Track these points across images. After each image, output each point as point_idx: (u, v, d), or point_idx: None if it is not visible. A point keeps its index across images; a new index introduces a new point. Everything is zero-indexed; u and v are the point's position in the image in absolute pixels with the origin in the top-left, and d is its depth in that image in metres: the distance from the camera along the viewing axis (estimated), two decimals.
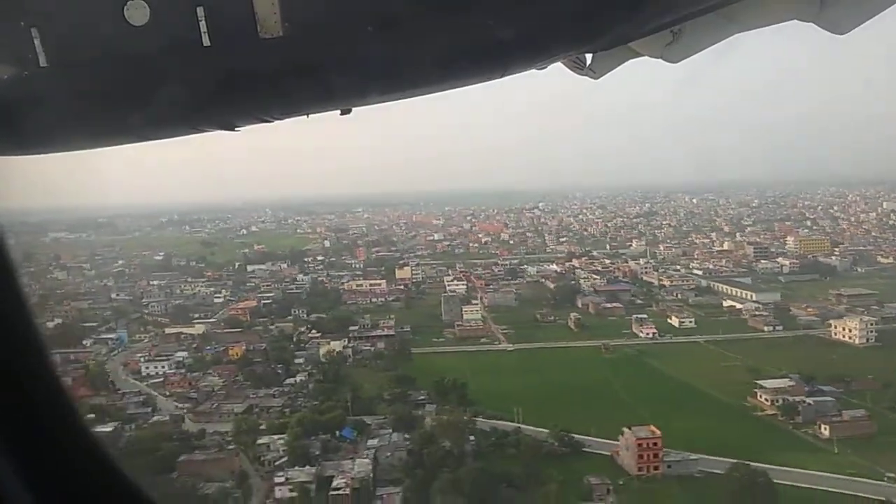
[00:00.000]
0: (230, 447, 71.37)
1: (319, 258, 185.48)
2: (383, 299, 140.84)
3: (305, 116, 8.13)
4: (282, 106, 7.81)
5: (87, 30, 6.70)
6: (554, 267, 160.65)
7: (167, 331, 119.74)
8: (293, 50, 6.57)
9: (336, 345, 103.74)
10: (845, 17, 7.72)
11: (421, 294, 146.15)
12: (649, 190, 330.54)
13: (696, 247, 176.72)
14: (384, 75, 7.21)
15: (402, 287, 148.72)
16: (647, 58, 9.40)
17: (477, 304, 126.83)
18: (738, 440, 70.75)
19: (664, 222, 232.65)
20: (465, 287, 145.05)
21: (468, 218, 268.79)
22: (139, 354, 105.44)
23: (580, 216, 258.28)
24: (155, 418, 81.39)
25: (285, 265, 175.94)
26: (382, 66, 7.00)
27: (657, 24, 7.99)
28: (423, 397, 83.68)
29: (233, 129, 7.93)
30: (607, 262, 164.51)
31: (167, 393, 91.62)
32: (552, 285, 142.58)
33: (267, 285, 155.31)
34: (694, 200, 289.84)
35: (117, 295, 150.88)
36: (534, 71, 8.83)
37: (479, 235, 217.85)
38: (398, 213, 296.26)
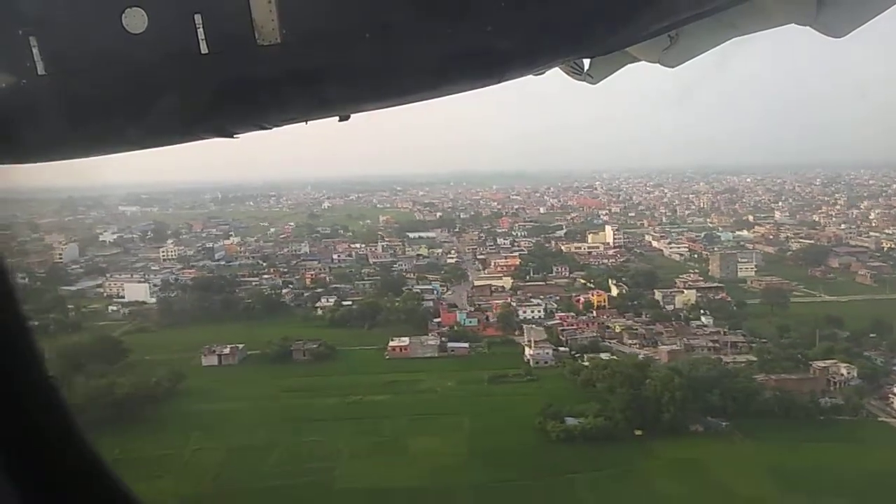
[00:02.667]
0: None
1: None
2: (614, 260, 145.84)
3: (304, 123, 8.30)
4: (280, 113, 7.87)
5: (85, 38, 6.79)
6: (745, 233, 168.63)
7: (476, 283, 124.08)
8: (291, 57, 6.69)
9: (690, 294, 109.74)
10: (843, 21, 7.78)
11: (646, 256, 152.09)
12: (678, 171, 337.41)
13: (851, 217, 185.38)
14: (382, 82, 7.33)
15: (617, 249, 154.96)
16: (644, 62, 9.61)
17: (747, 262, 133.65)
18: None
19: (757, 198, 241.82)
20: (686, 249, 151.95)
21: (535, 195, 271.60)
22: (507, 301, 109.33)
23: (654, 194, 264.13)
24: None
25: (446, 232, 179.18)
26: (380, 72, 7.11)
27: (654, 28, 8.03)
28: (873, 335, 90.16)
29: (231, 137, 8.02)
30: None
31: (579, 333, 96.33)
32: (771, 249, 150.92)
33: (472, 248, 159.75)
34: (748, 180, 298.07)
35: (337, 256, 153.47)
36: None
37: (590, 210, 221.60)
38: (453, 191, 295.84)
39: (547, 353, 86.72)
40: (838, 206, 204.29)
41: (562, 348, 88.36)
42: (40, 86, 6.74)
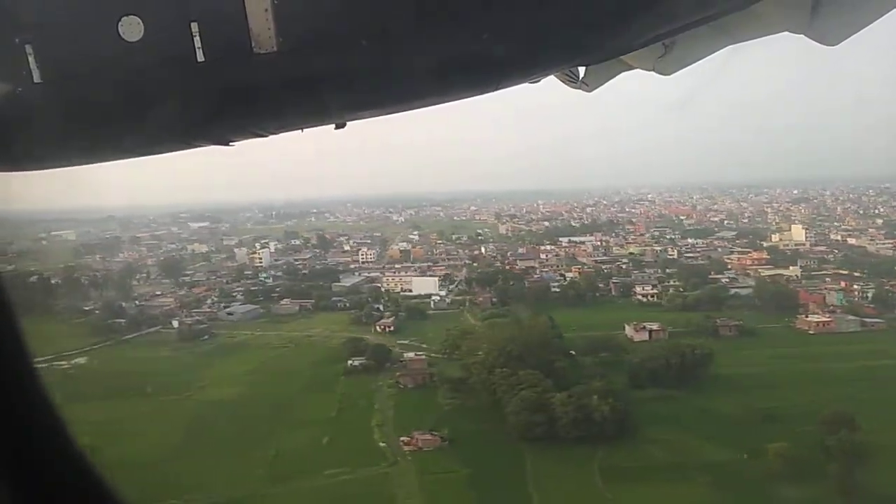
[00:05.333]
0: None
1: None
2: (831, 255, 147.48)
3: (300, 131, 8.30)
4: (276, 121, 7.92)
5: (81, 45, 6.78)
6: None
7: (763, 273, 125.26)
8: (288, 65, 6.64)
9: None
10: (836, 29, 7.81)
11: (854, 252, 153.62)
12: (691, 185, 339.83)
13: None
14: (378, 90, 7.35)
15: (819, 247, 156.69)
16: (639, 70, 9.66)
17: None
18: None
19: (845, 207, 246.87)
20: (891, 245, 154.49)
21: (588, 210, 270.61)
22: None
23: (721, 205, 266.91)
24: None
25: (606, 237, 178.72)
26: (377, 80, 7.13)
27: (649, 37, 8.07)
28: None
29: (227, 144, 8.05)
30: None
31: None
32: None
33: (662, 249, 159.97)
34: (795, 192, 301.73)
35: (545, 256, 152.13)
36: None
37: (697, 217, 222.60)
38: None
39: None
40: None
41: None
42: (36, 94, 6.69)
